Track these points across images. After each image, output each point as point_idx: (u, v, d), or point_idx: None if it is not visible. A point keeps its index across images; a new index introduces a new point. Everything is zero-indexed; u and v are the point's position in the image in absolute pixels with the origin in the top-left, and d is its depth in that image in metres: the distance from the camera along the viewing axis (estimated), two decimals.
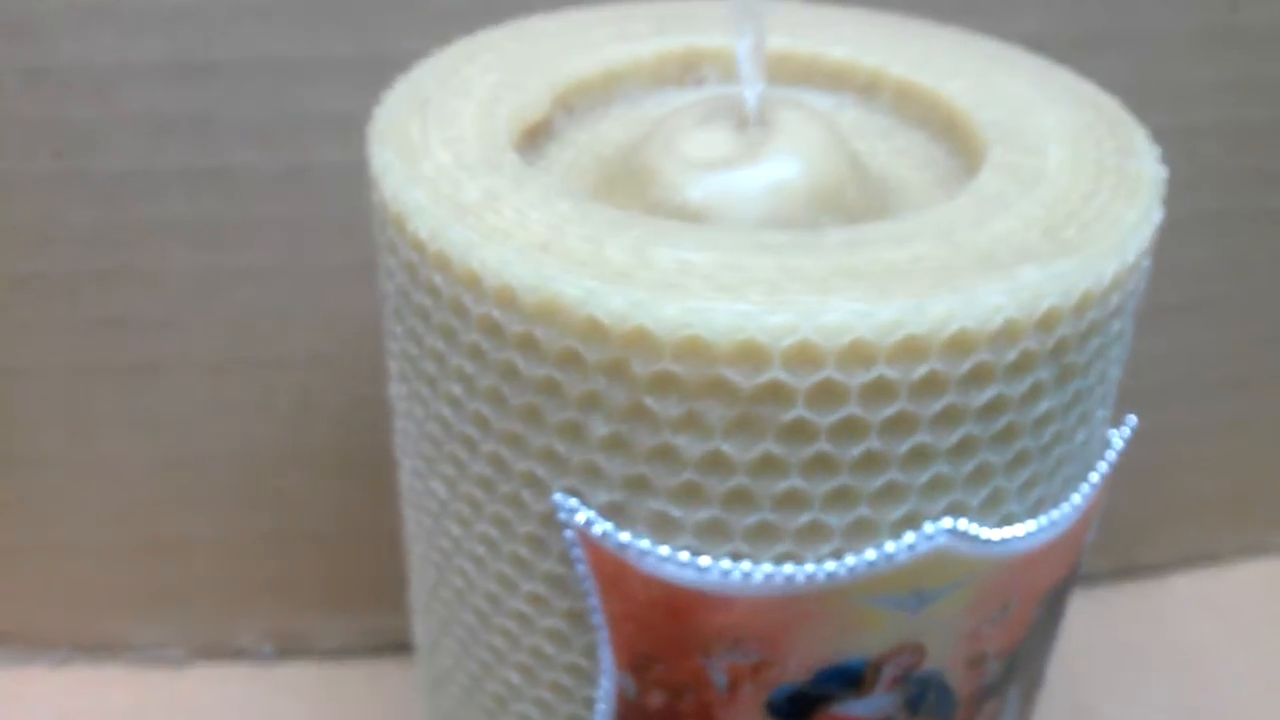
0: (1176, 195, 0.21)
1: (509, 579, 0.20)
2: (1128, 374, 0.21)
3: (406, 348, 0.20)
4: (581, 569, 0.19)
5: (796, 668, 0.19)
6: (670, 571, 0.18)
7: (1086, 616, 0.36)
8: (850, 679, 0.19)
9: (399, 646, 0.35)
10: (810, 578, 0.18)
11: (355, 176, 0.30)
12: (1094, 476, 0.20)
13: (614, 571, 0.19)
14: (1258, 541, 0.38)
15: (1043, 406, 0.18)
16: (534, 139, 0.22)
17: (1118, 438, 0.21)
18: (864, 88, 0.24)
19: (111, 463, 0.32)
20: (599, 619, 0.19)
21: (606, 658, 0.20)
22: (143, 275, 0.31)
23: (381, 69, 0.28)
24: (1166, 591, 0.37)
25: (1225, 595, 0.37)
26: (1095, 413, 0.20)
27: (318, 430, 0.32)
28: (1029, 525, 0.19)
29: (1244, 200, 0.34)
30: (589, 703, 0.21)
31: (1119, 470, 0.20)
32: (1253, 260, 0.34)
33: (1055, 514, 0.19)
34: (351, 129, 0.30)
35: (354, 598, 0.34)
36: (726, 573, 0.18)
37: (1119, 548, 0.38)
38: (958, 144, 0.22)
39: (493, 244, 0.18)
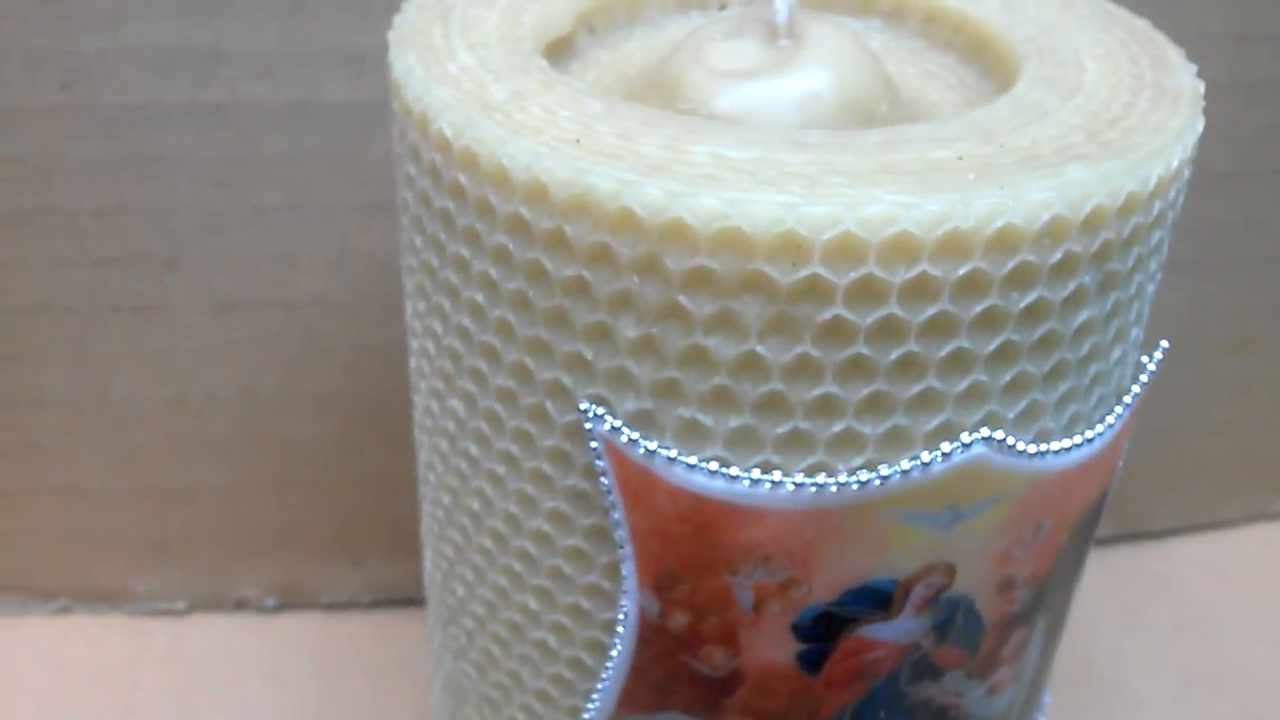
0: None
1: (529, 497, 0.20)
2: None
3: (427, 259, 0.20)
4: (606, 482, 0.18)
5: (824, 587, 0.18)
6: (698, 482, 0.18)
7: (1092, 579, 0.36)
8: (879, 600, 0.19)
9: (405, 601, 0.34)
10: (843, 489, 0.17)
11: (365, 114, 0.29)
12: (1128, 398, 0.19)
13: (640, 483, 0.18)
14: (1262, 506, 0.38)
15: (1083, 315, 0.18)
16: (556, 56, 0.22)
17: (1150, 361, 0.20)
18: (891, 11, 0.23)
19: (115, 405, 0.31)
20: (623, 534, 0.19)
21: (629, 576, 0.19)
22: (148, 212, 0.30)
23: (392, 3, 0.28)
24: (1172, 555, 0.37)
25: (1230, 559, 0.36)
26: (1131, 330, 0.19)
27: (324, 374, 0.32)
28: (1065, 442, 0.18)
29: (1257, 158, 0.33)
30: (608, 626, 0.20)
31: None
32: (1264, 219, 0.34)
33: (1091, 432, 0.19)
34: (362, 64, 0.29)
35: (359, 549, 0.34)
36: (757, 483, 0.17)
37: (1125, 511, 0.37)
38: (989, 65, 0.22)
39: (522, 139, 0.17)
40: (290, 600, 0.34)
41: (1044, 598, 0.20)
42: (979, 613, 0.20)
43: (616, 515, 0.18)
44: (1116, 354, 0.19)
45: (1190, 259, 0.34)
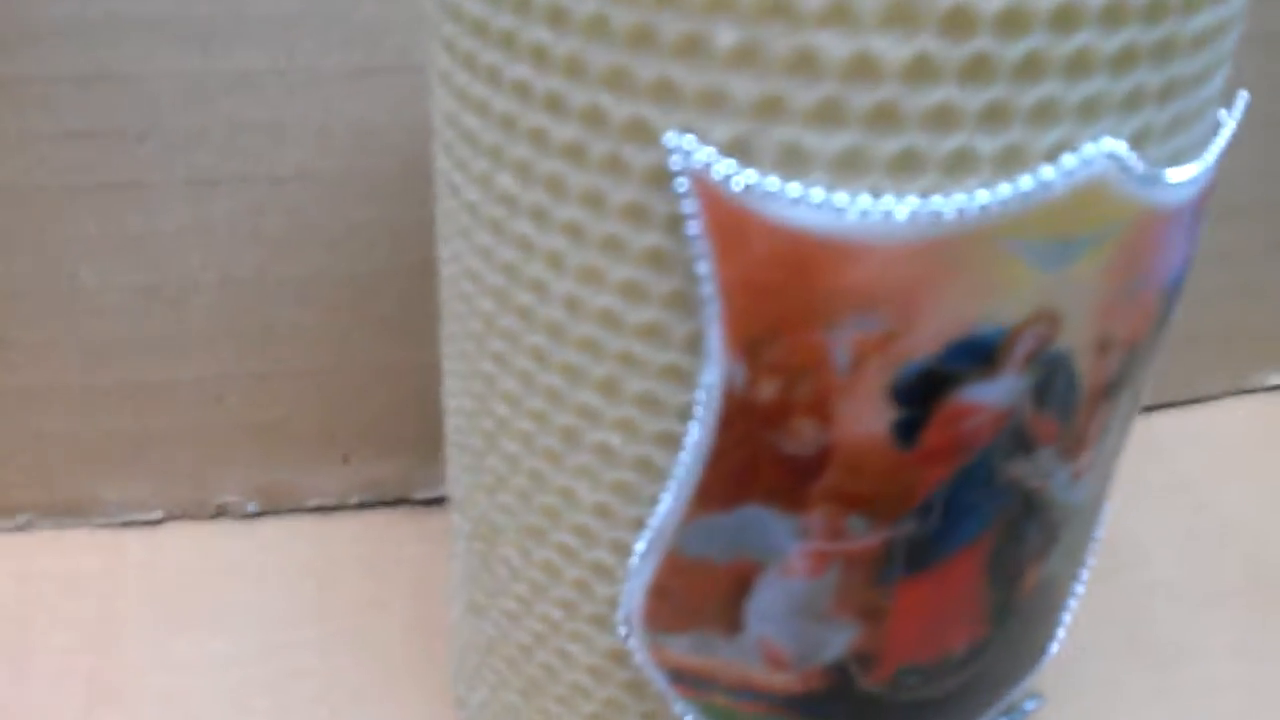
0: None
1: (596, 271, 0.17)
2: None
3: (477, 15, 0.17)
4: (694, 228, 0.16)
5: (929, 338, 0.16)
6: (801, 216, 0.15)
7: None
8: (983, 353, 0.16)
9: (398, 500, 0.31)
10: (961, 213, 0.15)
11: None
12: (1219, 142, 0.18)
13: (734, 224, 0.16)
14: (1240, 380, 0.36)
15: (1200, 20, 0.16)
16: None
17: (1230, 116, 0.18)
18: None
19: (85, 292, 0.28)
20: (710, 290, 0.16)
21: (715, 340, 0.16)
22: (121, 80, 0.26)
23: None
24: (1155, 427, 0.35)
25: (1211, 431, 0.35)
26: (1222, 66, 0.17)
27: (310, 255, 0.28)
28: (1172, 173, 0.16)
29: None
30: (684, 412, 0.17)
31: None
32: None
33: (1192, 170, 0.17)
34: None
35: (348, 444, 0.30)
36: (866, 213, 0.15)
37: None
38: None
39: None
40: (274, 505, 0.31)
41: (1132, 368, 0.18)
42: (1077, 374, 0.17)
43: (704, 268, 0.16)
44: (1216, 84, 0.17)
45: None
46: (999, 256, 0.16)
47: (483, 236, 0.19)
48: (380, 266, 0.28)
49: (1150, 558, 0.30)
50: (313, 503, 0.31)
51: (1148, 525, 0.31)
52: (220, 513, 0.30)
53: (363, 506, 0.31)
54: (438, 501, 0.31)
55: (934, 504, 0.18)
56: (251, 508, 0.30)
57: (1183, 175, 0.17)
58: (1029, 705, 0.22)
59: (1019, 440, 0.18)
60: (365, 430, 0.30)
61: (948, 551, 0.18)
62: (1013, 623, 0.20)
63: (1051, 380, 0.17)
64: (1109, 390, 0.18)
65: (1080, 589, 0.22)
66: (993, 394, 0.17)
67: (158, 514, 0.30)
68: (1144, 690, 0.27)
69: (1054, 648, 0.22)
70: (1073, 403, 0.18)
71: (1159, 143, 0.16)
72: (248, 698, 0.27)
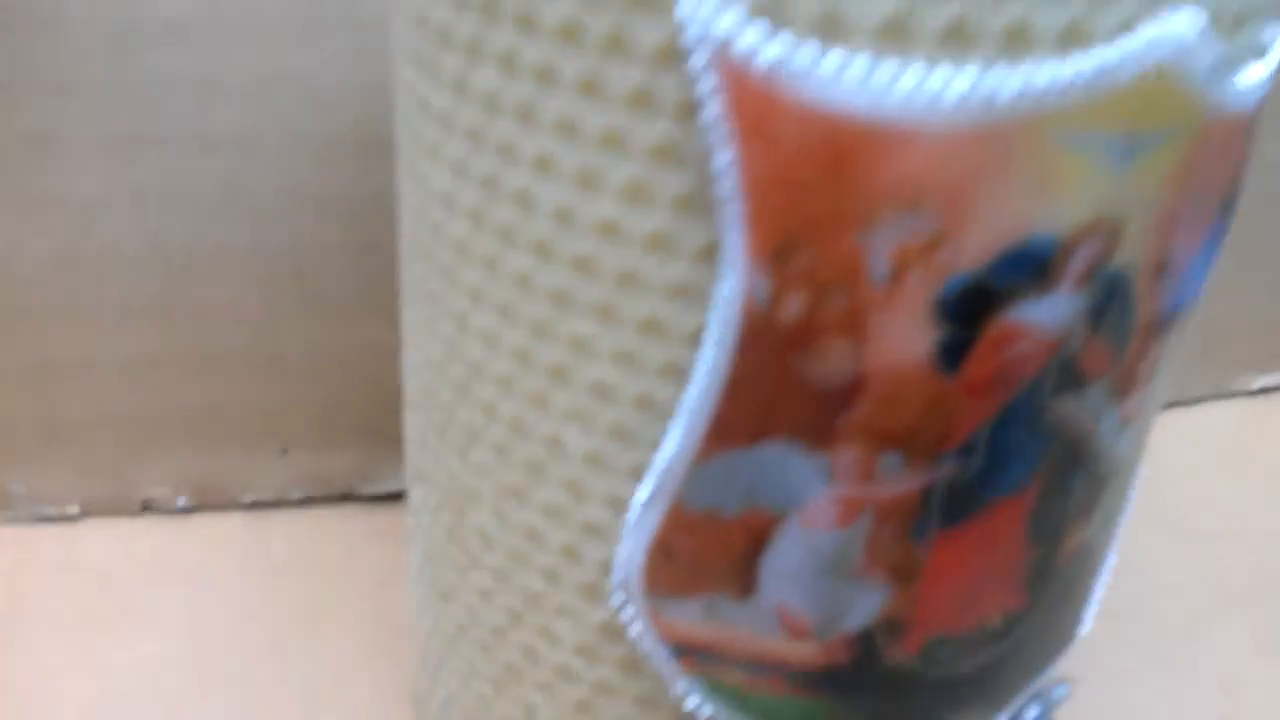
0: None
1: (591, 174, 0.15)
2: None
3: None
4: (713, 111, 0.14)
5: (977, 246, 0.14)
6: (838, 97, 0.13)
7: None
8: (1037, 264, 0.14)
9: (341, 496, 0.28)
10: (1018, 95, 0.13)
11: None
12: (1277, 53, 0.16)
13: (761, 106, 0.13)
14: (1223, 385, 0.35)
15: None
16: None
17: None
18: None
19: None
20: (730, 187, 0.14)
21: (734, 247, 0.14)
22: (37, 26, 0.24)
23: None
24: None
25: (1198, 432, 0.34)
26: None
27: (246, 225, 0.26)
28: (1240, 75, 0.15)
29: None
30: (693, 337, 0.15)
31: None
32: None
33: (1259, 72, 0.15)
34: None
35: (287, 434, 0.28)
36: (911, 94, 0.13)
37: None
38: None
39: None
40: (206, 499, 0.28)
41: (1183, 301, 0.17)
42: (1134, 300, 0.16)
43: (723, 160, 0.14)
44: None
45: None
46: (1056, 150, 0.14)
47: (456, 149, 0.16)
48: (325, 239, 0.26)
49: (1156, 558, 0.29)
50: (248, 498, 0.28)
51: (1148, 524, 0.30)
52: (146, 508, 0.27)
53: (304, 502, 0.28)
54: (387, 498, 0.28)
55: (977, 443, 0.16)
56: (181, 502, 0.27)
57: (1250, 78, 0.15)
58: (1059, 692, 0.20)
59: (1069, 374, 0.16)
60: (306, 419, 0.27)
61: (989, 500, 0.16)
62: (1050, 590, 0.18)
63: (1108, 303, 0.15)
64: (1160, 324, 0.16)
65: (1113, 561, 0.20)
66: (1046, 314, 0.15)
67: (75, 508, 0.27)
68: (1164, 690, 0.25)
69: (1085, 628, 0.20)
70: (1127, 331, 0.16)
71: (1225, 38, 0.15)
72: (180, 704, 0.24)
